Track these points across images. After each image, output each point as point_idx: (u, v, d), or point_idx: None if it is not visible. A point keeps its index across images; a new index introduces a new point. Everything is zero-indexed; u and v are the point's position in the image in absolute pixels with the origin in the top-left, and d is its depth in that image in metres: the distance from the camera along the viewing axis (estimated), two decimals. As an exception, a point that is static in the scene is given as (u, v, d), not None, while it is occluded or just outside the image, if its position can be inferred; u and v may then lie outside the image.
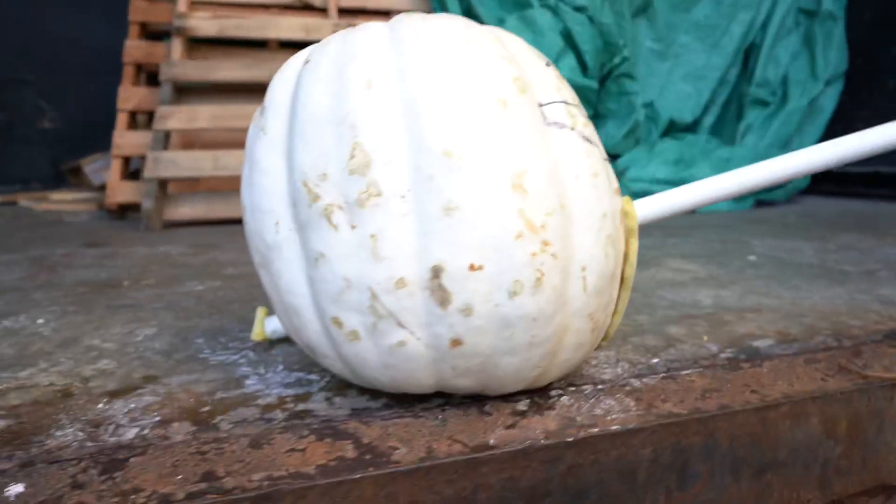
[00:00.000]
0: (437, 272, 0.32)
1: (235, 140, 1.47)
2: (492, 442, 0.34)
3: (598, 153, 0.38)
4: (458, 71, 0.33)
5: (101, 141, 2.19)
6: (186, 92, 1.46)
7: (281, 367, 0.45)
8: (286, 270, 0.36)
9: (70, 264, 0.89)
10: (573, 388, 0.41)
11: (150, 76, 1.60)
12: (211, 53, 1.52)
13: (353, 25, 1.58)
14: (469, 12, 1.51)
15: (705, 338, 0.51)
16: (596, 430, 0.35)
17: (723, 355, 0.47)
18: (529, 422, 0.36)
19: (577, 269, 0.35)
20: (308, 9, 1.60)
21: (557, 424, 0.36)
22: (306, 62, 0.37)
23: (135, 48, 1.51)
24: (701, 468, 0.38)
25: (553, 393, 0.40)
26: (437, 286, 0.32)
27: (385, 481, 0.31)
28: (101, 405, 0.39)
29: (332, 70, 0.35)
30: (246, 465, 0.31)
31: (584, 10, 1.45)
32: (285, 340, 0.51)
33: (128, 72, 1.49)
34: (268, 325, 0.49)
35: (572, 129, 0.36)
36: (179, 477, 0.30)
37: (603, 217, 0.36)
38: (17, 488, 0.29)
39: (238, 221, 1.37)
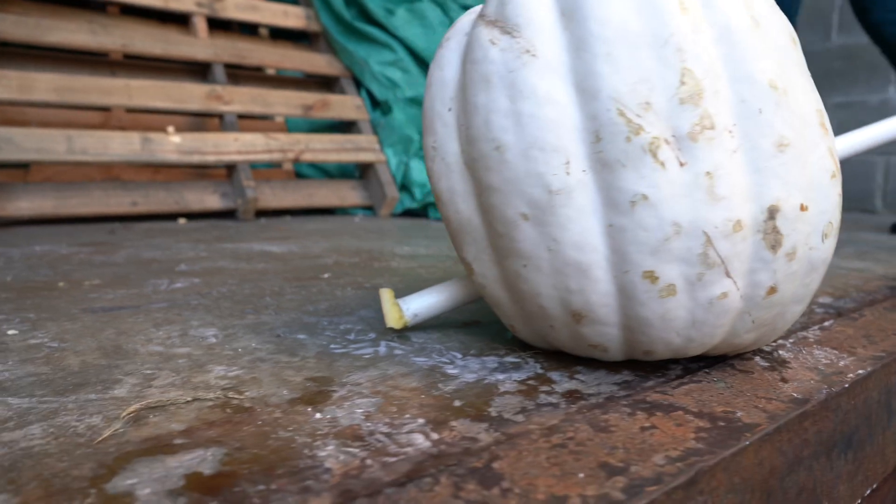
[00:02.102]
0: (773, 213, 0.30)
1: (77, 120, 1.19)
2: (798, 396, 0.32)
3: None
4: (758, 3, 0.32)
5: None
6: None
7: (459, 355, 0.37)
8: (576, 220, 0.30)
9: (-77, 267, 0.63)
10: (774, 342, 0.41)
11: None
12: (30, 10, 1.21)
13: (216, 2, 1.39)
14: (357, 1, 1.44)
15: (779, 298, 0.55)
16: (852, 375, 0.36)
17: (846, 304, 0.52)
18: (788, 375, 0.35)
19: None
20: (165, -26, 1.37)
21: (816, 375, 0.35)
22: (581, -23, 0.31)
23: (-80, -8, 1.13)
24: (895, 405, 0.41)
25: (765, 348, 0.40)
26: (770, 228, 0.30)
27: (757, 447, 0.28)
28: (317, 415, 0.28)
29: (635, -13, 0.30)
30: (626, 451, 0.25)
31: (468, 8, 1.48)
32: (417, 327, 0.42)
33: (-90, 22, 1.11)
34: (406, 309, 0.40)
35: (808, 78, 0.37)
36: (581, 476, 0.23)
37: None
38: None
39: (101, 220, 1.11)
